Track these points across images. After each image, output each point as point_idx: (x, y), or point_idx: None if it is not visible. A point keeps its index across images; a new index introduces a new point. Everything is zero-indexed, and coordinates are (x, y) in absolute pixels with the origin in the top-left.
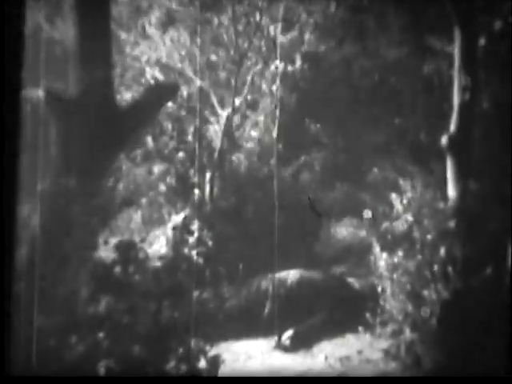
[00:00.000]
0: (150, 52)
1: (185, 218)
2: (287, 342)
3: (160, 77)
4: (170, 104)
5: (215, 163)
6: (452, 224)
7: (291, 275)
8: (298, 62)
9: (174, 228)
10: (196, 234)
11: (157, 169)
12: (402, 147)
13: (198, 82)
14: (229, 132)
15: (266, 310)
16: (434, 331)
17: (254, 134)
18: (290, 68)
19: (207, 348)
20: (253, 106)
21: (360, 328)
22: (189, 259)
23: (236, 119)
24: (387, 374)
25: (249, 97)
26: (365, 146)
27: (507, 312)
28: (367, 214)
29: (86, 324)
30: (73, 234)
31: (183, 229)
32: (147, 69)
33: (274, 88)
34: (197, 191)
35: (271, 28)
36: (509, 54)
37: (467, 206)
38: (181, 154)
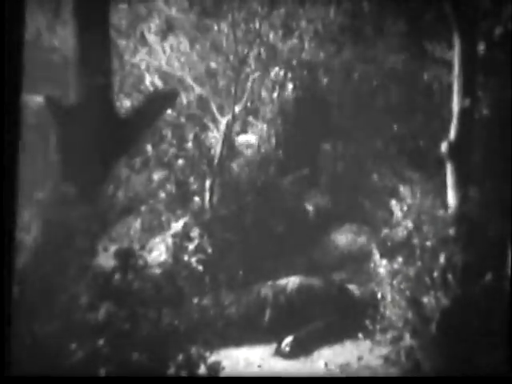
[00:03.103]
0: (150, 59)
1: (184, 225)
2: (287, 349)
3: (159, 84)
4: (169, 111)
5: (215, 170)
6: (452, 231)
7: (291, 282)
8: (298, 69)
9: (174, 235)
10: (196, 241)
11: (156, 176)
12: (402, 153)
13: (197, 89)
14: (229, 139)
15: (266, 317)
16: (434, 338)
17: (254, 141)
18: (289, 75)
19: (207, 355)
20: (253, 113)
21: (360, 334)
22: (188, 266)
23: (236, 126)
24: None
25: (249, 104)
26: (364, 152)
27: (507, 318)
28: None
29: (86, 331)
30: (72, 240)
31: (183, 236)
32: (147, 76)
33: (274, 95)
34: (196, 198)
35: (271, 35)
36: (508, 59)
37: (467, 213)
38: (180, 161)
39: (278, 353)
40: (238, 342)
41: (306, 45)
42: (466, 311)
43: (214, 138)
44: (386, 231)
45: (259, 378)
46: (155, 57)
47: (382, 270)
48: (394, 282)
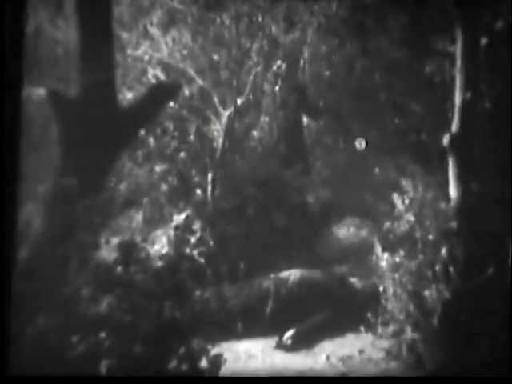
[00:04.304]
0: (152, 52)
1: (186, 218)
2: (288, 342)
3: (162, 76)
4: (171, 104)
5: (217, 163)
6: (454, 224)
7: (292, 275)
8: (300, 62)
9: (176, 228)
10: (198, 234)
11: (158, 169)
12: (404, 147)
13: (199, 82)
14: (230, 132)
15: (268, 310)
16: (436, 331)
17: (256, 134)
18: (291, 68)
19: (209, 347)
20: (255, 106)
21: (361, 328)
22: (190, 259)
23: (238, 119)
24: (389, 373)
25: (251, 97)
26: (366, 145)
27: (508, 312)
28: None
29: (88, 324)
30: (74, 233)
31: (185, 229)
32: (149, 69)
33: (277, 88)
34: (198, 191)
35: (273, 28)
36: (510, 53)
37: (469, 206)
38: (182, 154)
39: (280, 346)
40: (240, 334)
41: (309, 38)
42: (467, 304)
43: (216, 130)
44: (387, 225)
45: (260, 378)
46: (157, 50)
47: (383, 264)
48: (396, 276)
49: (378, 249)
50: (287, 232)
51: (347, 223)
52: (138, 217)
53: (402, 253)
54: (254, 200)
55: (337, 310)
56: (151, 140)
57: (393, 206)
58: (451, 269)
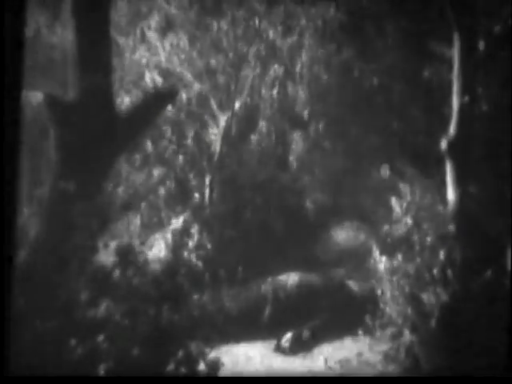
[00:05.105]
0: (150, 56)
1: (184, 222)
2: (287, 345)
3: (159, 81)
4: (169, 108)
5: (215, 167)
6: (451, 227)
7: (291, 278)
8: (298, 67)
9: (174, 231)
10: (195, 238)
11: (156, 173)
12: (402, 151)
13: (197, 86)
14: (228, 136)
15: (266, 313)
16: (434, 334)
17: (254, 137)
18: (289, 72)
19: (207, 351)
20: (252, 110)
21: (359, 331)
22: (188, 262)
23: (235, 123)
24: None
25: (248, 101)
26: (364, 149)
27: (506, 315)
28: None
29: (86, 327)
30: (72, 237)
31: (183, 232)
32: (147, 73)
33: (274, 92)
34: (196, 195)
35: (271, 32)
36: (508, 57)
37: (466, 210)
38: (180, 158)
39: (278, 349)
40: (238, 338)
41: (306, 42)
42: (465, 307)
43: (214, 134)
44: (385, 228)
45: (260, 378)
46: (155, 54)
47: (381, 267)
48: (394, 279)
49: (376, 252)
50: (285, 235)
51: (345, 227)
52: (136, 221)
53: (399, 256)
54: (251, 203)
55: (335, 313)
56: (149, 144)
57: (391, 209)
58: (449, 272)
